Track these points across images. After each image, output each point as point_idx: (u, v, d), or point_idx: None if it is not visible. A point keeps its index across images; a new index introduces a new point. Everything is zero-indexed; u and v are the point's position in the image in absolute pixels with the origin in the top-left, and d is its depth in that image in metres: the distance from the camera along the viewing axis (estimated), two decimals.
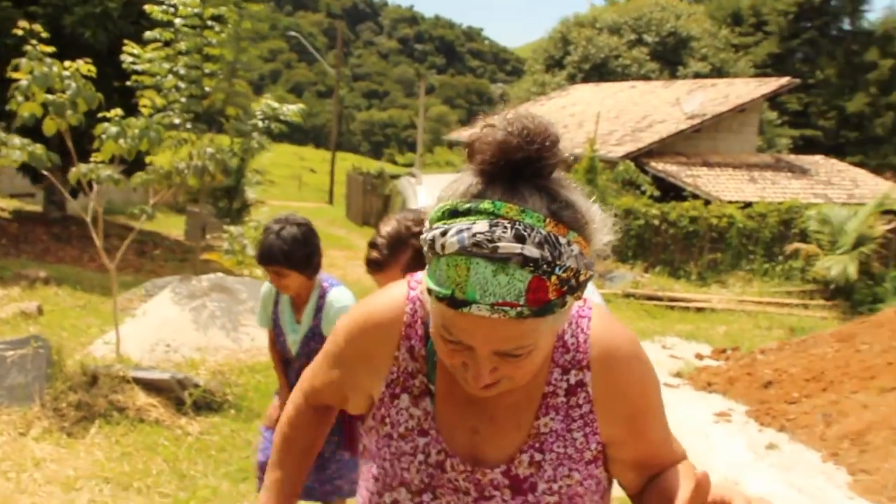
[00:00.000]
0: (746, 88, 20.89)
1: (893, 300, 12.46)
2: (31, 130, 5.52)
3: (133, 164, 6.87)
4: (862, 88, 35.76)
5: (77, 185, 5.62)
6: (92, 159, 5.58)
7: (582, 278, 1.01)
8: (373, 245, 2.28)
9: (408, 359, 1.24)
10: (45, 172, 5.82)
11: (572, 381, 1.19)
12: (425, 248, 1.03)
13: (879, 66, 35.90)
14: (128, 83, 7.01)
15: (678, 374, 8.18)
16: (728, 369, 8.03)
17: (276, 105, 8.28)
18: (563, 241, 0.98)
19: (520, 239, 0.96)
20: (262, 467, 3.03)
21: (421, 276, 1.27)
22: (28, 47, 5.23)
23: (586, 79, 31.82)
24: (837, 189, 18.11)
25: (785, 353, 8.14)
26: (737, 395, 7.21)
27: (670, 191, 16.89)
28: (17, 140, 5.36)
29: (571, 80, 32.83)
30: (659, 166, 17.80)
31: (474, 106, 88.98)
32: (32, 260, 11.28)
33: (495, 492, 1.19)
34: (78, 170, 5.42)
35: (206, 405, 5.15)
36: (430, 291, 1.03)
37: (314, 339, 2.97)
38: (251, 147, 8.77)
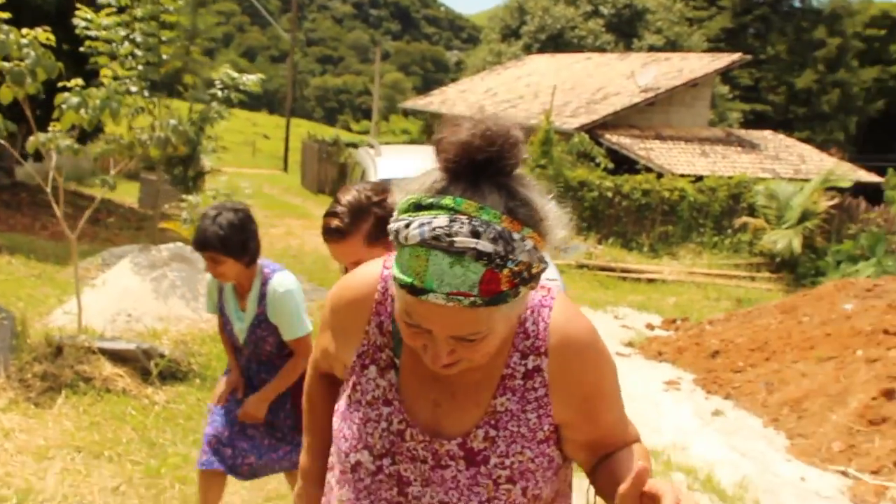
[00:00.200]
0: (700, 63, 21.23)
1: (834, 274, 12.97)
2: None
3: (87, 132, 6.75)
4: (810, 65, 36.63)
5: (31, 153, 5.53)
6: (50, 128, 5.51)
7: (534, 271, 1.12)
8: (333, 214, 2.24)
9: (377, 333, 1.34)
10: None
11: (530, 365, 1.27)
12: (391, 237, 1.14)
13: (827, 45, 36.79)
14: (81, 49, 6.88)
15: (629, 344, 8.45)
16: (677, 339, 8.32)
17: (235, 75, 8.20)
18: (516, 236, 1.08)
19: (475, 234, 1.05)
20: (210, 441, 3.01)
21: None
22: None
23: (542, 49, 31.92)
24: (785, 164, 18.61)
25: (731, 323, 8.45)
26: (685, 364, 7.49)
27: (624, 163, 17.14)
28: None
29: (527, 50, 32.89)
30: (613, 139, 18.05)
31: (429, 73, 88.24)
32: None
33: (450, 462, 1.28)
34: (37, 138, 5.34)
35: (172, 374, 5.21)
36: (394, 278, 1.14)
37: (260, 326, 2.92)
38: (209, 116, 8.67)
